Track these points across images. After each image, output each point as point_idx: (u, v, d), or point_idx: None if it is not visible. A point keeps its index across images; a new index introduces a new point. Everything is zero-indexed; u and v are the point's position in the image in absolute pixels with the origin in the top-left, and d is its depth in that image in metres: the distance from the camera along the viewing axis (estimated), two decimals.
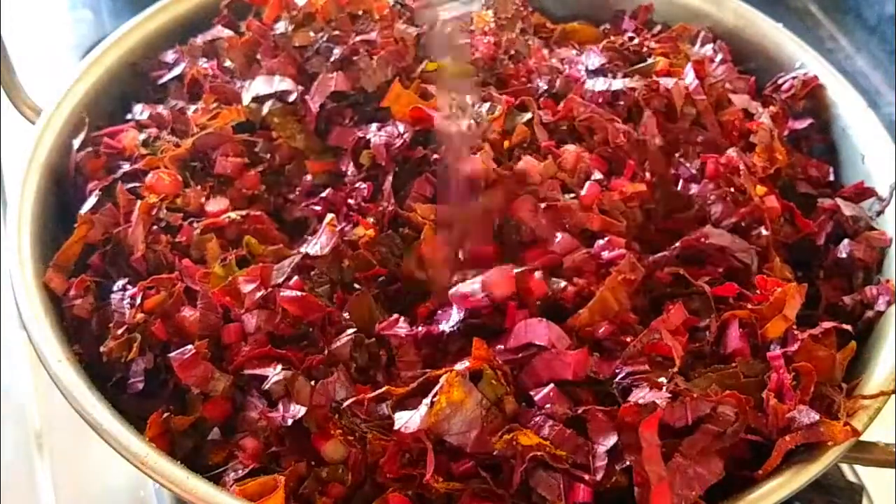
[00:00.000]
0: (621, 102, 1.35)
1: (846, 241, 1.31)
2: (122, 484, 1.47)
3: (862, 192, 1.37)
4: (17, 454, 1.51)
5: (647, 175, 1.27)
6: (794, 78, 1.48)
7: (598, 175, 1.24)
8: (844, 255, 1.30)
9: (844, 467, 1.42)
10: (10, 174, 1.72)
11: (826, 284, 1.30)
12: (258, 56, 1.42)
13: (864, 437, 1.09)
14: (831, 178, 1.43)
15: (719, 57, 1.51)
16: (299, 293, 1.14)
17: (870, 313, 1.24)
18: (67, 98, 1.41)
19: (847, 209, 1.33)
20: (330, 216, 1.20)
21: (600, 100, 1.35)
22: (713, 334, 1.13)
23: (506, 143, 1.27)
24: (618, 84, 1.35)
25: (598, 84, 1.36)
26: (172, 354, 1.11)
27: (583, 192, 1.21)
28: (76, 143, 1.35)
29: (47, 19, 1.47)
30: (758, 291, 1.17)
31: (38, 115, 1.40)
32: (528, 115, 1.30)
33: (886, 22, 2.13)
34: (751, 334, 1.13)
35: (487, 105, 1.31)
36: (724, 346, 1.13)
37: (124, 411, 1.11)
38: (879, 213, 1.34)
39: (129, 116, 1.41)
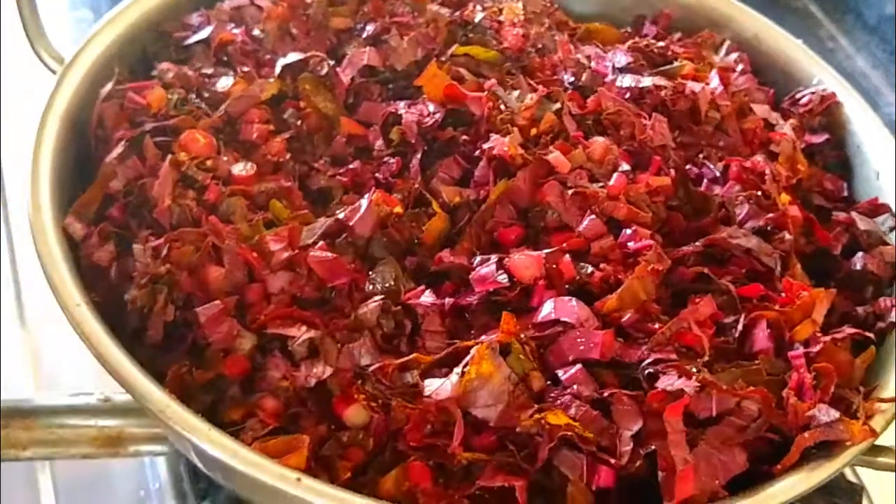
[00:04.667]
0: (647, 100, 1.36)
1: (860, 253, 1.33)
2: (122, 483, 1.46)
3: (876, 209, 1.39)
4: None
5: (672, 171, 1.27)
6: (812, 93, 1.51)
7: (625, 167, 1.24)
8: (859, 268, 1.32)
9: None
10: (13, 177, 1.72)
11: (839, 295, 1.31)
12: (291, 30, 1.41)
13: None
14: (845, 193, 1.45)
15: (740, 67, 1.53)
16: (329, 255, 1.13)
17: (881, 324, 1.26)
18: (88, 49, 1.39)
19: (862, 223, 1.35)
20: (375, 194, 1.20)
21: (627, 95, 1.36)
22: (739, 332, 1.14)
23: (533, 131, 1.27)
24: (646, 82, 1.36)
25: (626, 80, 1.37)
26: (199, 308, 1.09)
27: (611, 183, 1.21)
28: (103, 92, 1.33)
29: (47, 19, 1.48)
30: (782, 294, 1.18)
31: (59, 63, 1.38)
32: (558, 105, 1.30)
33: (886, 22, 2.17)
34: (778, 335, 1.14)
35: (517, 92, 1.31)
36: (750, 345, 1.14)
37: (141, 364, 1.09)
38: (893, 228, 1.36)
39: (153, 74, 1.39)
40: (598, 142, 1.26)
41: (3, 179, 1.76)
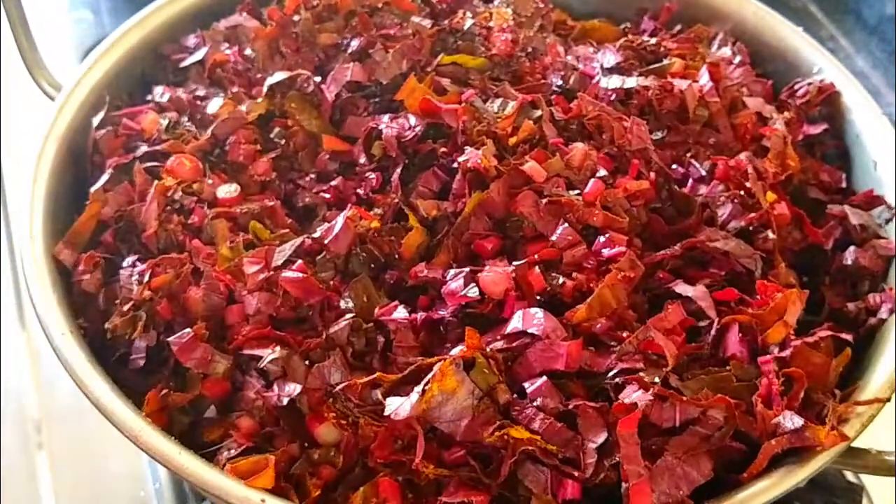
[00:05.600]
0: (634, 101, 1.35)
1: (852, 248, 1.31)
2: (122, 483, 1.49)
3: (872, 200, 1.36)
4: (17, 453, 1.53)
5: (652, 175, 1.27)
6: (809, 84, 1.48)
7: (602, 172, 1.24)
8: (850, 262, 1.30)
9: None
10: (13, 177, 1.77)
11: (830, 291, 1.30)
12: (281, 48, 1.44)
13: (867, 443, 1.11)
14: (843, 184, 1.43)
15: (738, 59, 1.51)
16: (301, 275, 1.15)
17: (873, 320, 1.25)
18: (87, 76, 1.43)
19: (854, 217, 1.33)
20: (350, 211, 1.22)
21: (613, 97, 1.35)
22: (713, 336, 1.13)
23: (512, 140, 1.27)
24: (631, 82, 1.36)
25: (612, 82, 1.36)
26: (171, 338, 1.13)
27: (587, 189, 1.21)
28: (95, 121, 1.37)
29: (47, 19, 1.50)
30: (758, 297, 1.17)
31: (58, 91, 1.42)
32: (538, 113, 1.30)
33: (886, 22, 2.13)
34: (751, 339, 1.13)
35: (500, 101, 1.32)
36: (723, 350, 1.13)
37: (126, 387, 1.13)
38: (888, 220, 1.34)
39: (149, 98, 1.43)
40: (578, 148, 1.26)
41: (3, 181, 1.81)
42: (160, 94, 1.42)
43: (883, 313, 1.24)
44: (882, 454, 1.13)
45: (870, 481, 1.41)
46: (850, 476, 1.38)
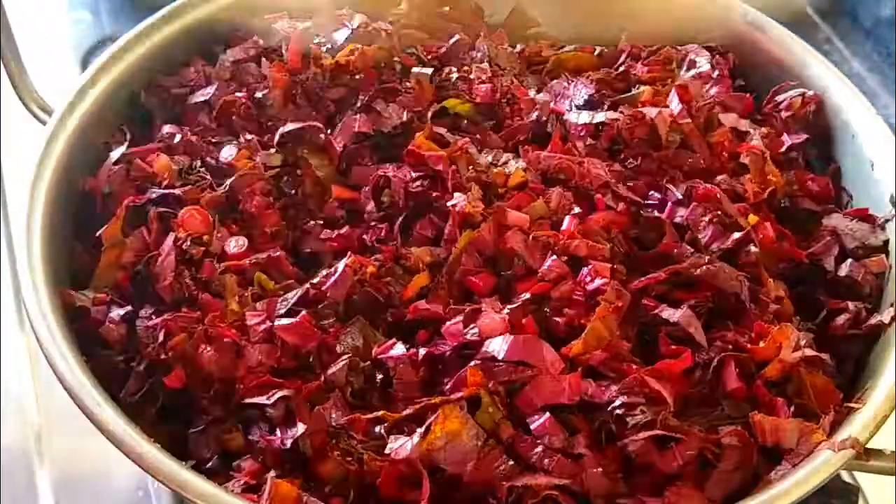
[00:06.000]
0: (604, 133, 1.40)
1: (848, 261, 1.33)
2: (122, 484, 1.51)
3: (865, 219, 1.38)
4: (17, 454, 1.54)
5: (621, 205, 1.31)
6: (792, 96, 1.51)
7: (577, 210, 1.29)
8: (844, 275, 1.32)
9: None
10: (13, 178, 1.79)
11: (826, 301, 1.32)
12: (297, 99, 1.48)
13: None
14: (832, 191, 1.45)
15: (716, 73, 1.54)
16: (293, 320, 1.18)
17: (872, 322, 1.27)
18: (80, 100, 1.42)
19: (846, 231, 1.36)
20: (350, 258, 1.25)
21: (583, 132, 1.40)
22: (709, 375, 1.17)
23: (502, 190, 1.35)
24: (600, 117, 1.41)
25: (582, 118, 1.42)
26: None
27: (562, 227, 1.27)
28: (114, 156, 1.38)
29: (46, 20, 1.48)
30: (755, 311, 1.22)
31: (48, 115, 1.41)
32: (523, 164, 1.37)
33: (884, 25, 2.12)
34: (748, 375, 1.17)
35: (494, 151, 1.40)
36: (721, 385, 1.17)
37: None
38: (888, 220, 1.36)
39: (159, 136, 1.45)
40: (554, 191, 1.32)
41: (2, 182, 1.82)
42: (169, 135, 1.44)
43: (885, 317, 1.27)
44: (882, 454, 1.15)
45: (869, 481, 1.43)
46: (845, 476, 1.41)
